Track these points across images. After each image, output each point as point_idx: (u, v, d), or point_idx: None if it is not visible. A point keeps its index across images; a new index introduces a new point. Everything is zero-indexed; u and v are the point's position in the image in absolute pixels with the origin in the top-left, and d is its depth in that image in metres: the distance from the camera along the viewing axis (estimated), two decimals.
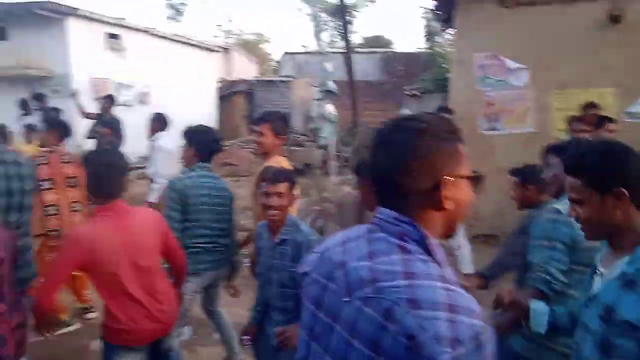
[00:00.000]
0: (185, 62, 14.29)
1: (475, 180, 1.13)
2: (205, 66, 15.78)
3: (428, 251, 1.03)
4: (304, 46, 29.99)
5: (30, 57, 10.55)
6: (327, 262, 1.13)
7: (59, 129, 4.34)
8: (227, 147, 11.40)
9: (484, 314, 0.93)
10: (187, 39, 14.92)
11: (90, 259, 2.26)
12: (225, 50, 19.45)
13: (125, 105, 11.14)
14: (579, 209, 1.50)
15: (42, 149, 4.41)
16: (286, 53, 22.54)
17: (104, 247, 2.28)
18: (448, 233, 1.12)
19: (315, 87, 17.50)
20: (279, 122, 3.32)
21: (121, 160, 2.48)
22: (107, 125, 7.33)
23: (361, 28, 47.74)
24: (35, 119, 7.85)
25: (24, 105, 8.50)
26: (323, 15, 10.09)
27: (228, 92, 17.38)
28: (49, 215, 3.97)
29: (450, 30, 8.52)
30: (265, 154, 3.28)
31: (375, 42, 26.18)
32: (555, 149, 2.29)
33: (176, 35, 14.54)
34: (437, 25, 12.58)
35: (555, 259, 2.04)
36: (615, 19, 6.02)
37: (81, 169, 4.23)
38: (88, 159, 2.46)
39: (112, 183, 2.39)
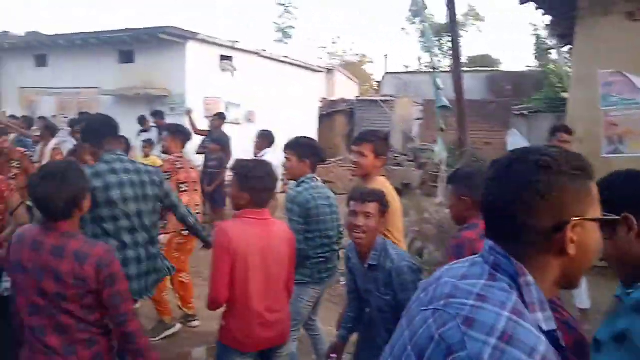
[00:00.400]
0: (289, 82, 14.75)
1: (608, 224, 1.02)
2: (308, 86, 16.18)
3: (520, 289, 0.96)
4: (405, 66, 29.80)
5: (152, 77, 11.48)
6: (432, 277, 1.15)
7: (181, 136, 4.66)
8: (326, 165, 11.53)
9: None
10: (293, 60, 15.42)
11: (232, 254, 2.36)
12: (329, 71, 19.85)
13: (233, 123, 11.70)
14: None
15: (167, 155, 4.73)
16: (387, 73, 22.55)
17: (245, 247, 2.37)
18: (569, 283, 1.02)
19: (418, 104, 17.27)
20: (380, 142, 3.23)
21: (274, 173, 2.64)
22: (216, 142, 7.70)
23: (467, 47, 46.56)
24: (152, 134, 8.47)
25: (142, 122, 9.23)
26: (428, 32, 9.91)
27: (329, 112, 17.67)
28: None
29: (567, 47, 7.96)
30: (364, 175, 3.20)
31: (482, 61, 25.36)
32: None
33: (282, 56, 15.09)
34: (551, 41, 11.85)
35: None
36: None
37: (197, 173, 4.64)
38: (245, 169, 2.55)
39: (267, 193, 2.55)
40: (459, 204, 2.40)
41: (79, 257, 1.99)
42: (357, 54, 36.62)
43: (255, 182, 2.48)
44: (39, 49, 13.03)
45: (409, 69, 25.82)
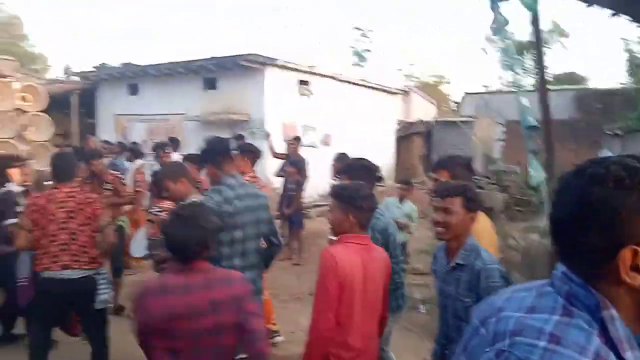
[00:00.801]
0: (366, 105, 14.76)
1: None
2: (385, 108, 16.11)
3: (603, 325, 0.81)
4: (485, 86, 28.94)
5: (233, 103, 11.92)
6: (489, 306, 1.03)
7: (251, 155, 4.71)
8: (405, 186, 11.29)
9: None
10: (369, 82, 15.45)
11: (342, 280, 2.30)
12: (405, 92, 19.71)
13: (310, 146, 11.85)
14: None
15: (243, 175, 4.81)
16: (467, 93, 21.99)
17: (351, 273, 2.33)
18: None
19: (499, 125, 16.63)
20: (460, 168, 3.06)
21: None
22: (293, 165, 7.81)
23: (551, 64, 44.52)
24: None
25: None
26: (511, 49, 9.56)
27: (406, 133, 17.46)
28: None
29: None
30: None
31: (568, 78, 24.12)
32: None
33: (359, 79, 15.16)
34: None
35: None
36: None
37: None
38: (350, 191, 2.53)
39: (372, 214, 2.56)
40: None
41: (228, 281, 2.18)
42: (433, 75, 36.19)
43: (362, 202, 2.45)
44: (132, 78, 13.98)
45: (489, 89, 25.06)
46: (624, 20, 6.47)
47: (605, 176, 0.83)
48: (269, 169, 9.71)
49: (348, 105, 13.83)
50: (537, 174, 5.53)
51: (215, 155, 3.17)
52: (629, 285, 0.82)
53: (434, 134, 17.57)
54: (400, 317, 3.38)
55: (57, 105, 10.69)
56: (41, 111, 8.13)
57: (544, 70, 9.05)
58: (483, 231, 2.87)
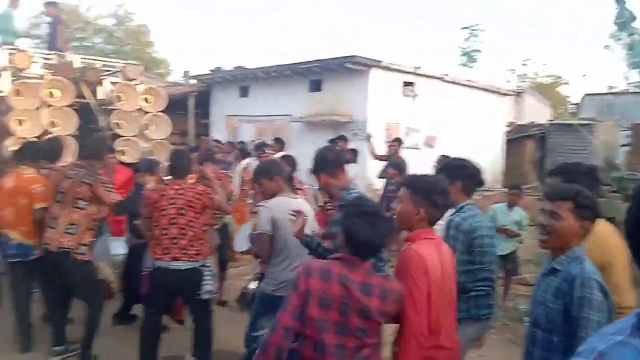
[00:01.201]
0: (473, 107, 14.19)
1: None
2: (494, 110, 15.37)
3: None
4: (609, 87, 26.47)
5: (337, 104, 12.06)
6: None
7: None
8: (515, 192, 10.67)
9: None
10: (477, 83, 14.83)
11: (429, 279, 2.24)
12: (517, 93, 18.65)
13: (412, 148, 11.63)
14: None
15: None
16: (587, 94, 20.31)
17: (434, 271, 2.25)
18: None
19: (624, 129, 15.13)
20: (582, 176, 2.74)
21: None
22: (394, 167, 7.70)
23: None
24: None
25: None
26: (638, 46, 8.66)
27: (517, 136, 16.51)
28: None
29: None
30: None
31: None
32: None
33: (466, 80, 14.62)
34: None
35: None
36: None
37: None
38: (427, 184, 2.45)
39: (444, 210, 2.48)
40: None
41: (383, 294, 2.11)
42: (550, 75, 33.85)
43: (437, 197, 2.35)
44: (243, 80, 14.68)
45: (613, 90, 22.91)
46: None
47: None
48: (370, 170, 9.67)
49: (454, 107, 13.39)
50: None
51: (328, 164, 3.11)
52: None
53: (548, 137, 16.40)
54: (486, 325, 3.13)
55: (175, 106, 11.53)
56: (161, 111, 8.80)
57: None
58: (617, 248, 2.53)
